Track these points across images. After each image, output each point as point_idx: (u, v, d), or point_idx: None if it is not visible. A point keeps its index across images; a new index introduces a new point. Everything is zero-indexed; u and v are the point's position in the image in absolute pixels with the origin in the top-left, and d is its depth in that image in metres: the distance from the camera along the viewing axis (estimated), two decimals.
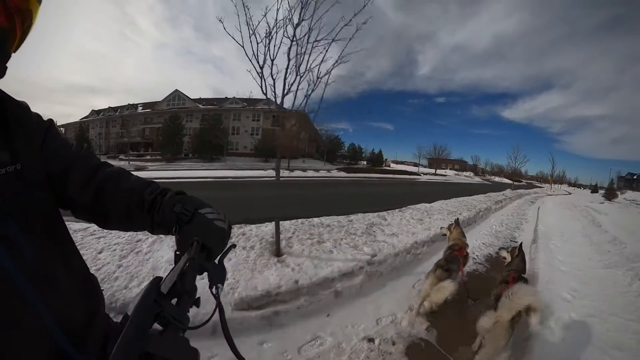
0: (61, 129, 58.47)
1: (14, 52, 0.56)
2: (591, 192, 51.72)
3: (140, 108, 54.64)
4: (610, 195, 26.51)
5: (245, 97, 56.15)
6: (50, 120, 0.69)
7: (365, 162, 66.50)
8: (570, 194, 35.31)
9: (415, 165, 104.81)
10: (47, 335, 0.57)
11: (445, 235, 3.68)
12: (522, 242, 3.37)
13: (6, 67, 0.55)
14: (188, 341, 0.48)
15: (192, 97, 55.37)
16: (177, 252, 0.65)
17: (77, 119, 58.05)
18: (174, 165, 36.16)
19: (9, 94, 0.57)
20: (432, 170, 74.64)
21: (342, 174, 34.54)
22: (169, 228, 0.70)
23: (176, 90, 54.82)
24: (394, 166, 72.21)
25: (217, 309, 0.58)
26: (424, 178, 44.26)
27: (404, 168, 67.65)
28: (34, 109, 0.62)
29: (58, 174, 0.66)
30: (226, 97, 54.93)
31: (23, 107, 0.62)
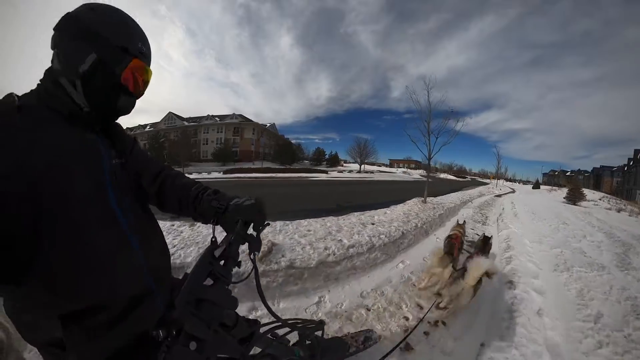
0: None
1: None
2: (533, 188, 43.27)
3: (148, 127, 57.87)
4: (576, 197, 17.35)
5: (219, 114, 55.46)
6: (135, 137, 0.89)
7: (325, 162, 60.52)
8: (514, 191, 29.52)
9: (385, 165, 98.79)
10: (141, 271, 0.72)
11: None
12: (491, 235, 3.38)
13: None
14: (231, 292, 0.62)
15: (185, 117, 57.72)
16: (213, 239, 0.70)
17: None
18: None
19: None
20: (383, 168, 66.44)
21: (215, 174, 30.99)
22: (207, 219, 0.81)
23: (169, 112, 57.73)
24: (346, 165, 67.13)
25: (254, 270, 0.74)
26: (324, 177, 34.13)
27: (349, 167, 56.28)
28: None
29: (140, 171, 0.82)
30: (208, 115, 56.24)
31: (120, 126, 0.79)
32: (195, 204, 0.83)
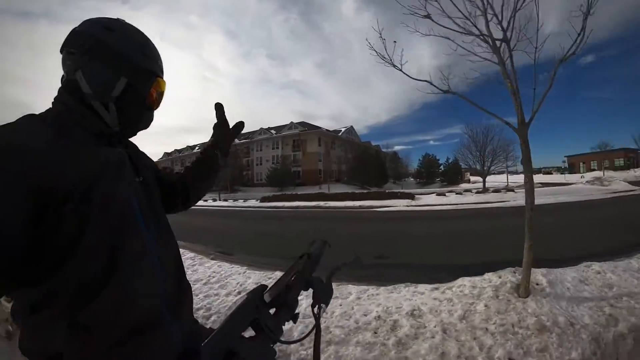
0: None
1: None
2: None
3: (197, 148, 51.90)
4: None
5: (275, 126, 44.47)
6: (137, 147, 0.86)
7: (439, 179, 39.81)
8: None
9: (560, 170, 56.41)
10: (157, 296, 0.63)
11: None
12: None
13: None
14: (275, 353, 0.47)
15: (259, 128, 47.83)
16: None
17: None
18: None
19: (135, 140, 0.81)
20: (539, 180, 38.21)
21: (252, 202, 25.50)
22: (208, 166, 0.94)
23: None
24: (474, 180, 37.18)
25: (315, 329, 0.53)
26: (403, 205, 16.23)
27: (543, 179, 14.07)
28: (147, 148, 0.88)
29: (157, 181, 0.83)
30: (260, 129, 46.90)
31: (136, 146, 0.83)
32: (200, 167, 0.96)
